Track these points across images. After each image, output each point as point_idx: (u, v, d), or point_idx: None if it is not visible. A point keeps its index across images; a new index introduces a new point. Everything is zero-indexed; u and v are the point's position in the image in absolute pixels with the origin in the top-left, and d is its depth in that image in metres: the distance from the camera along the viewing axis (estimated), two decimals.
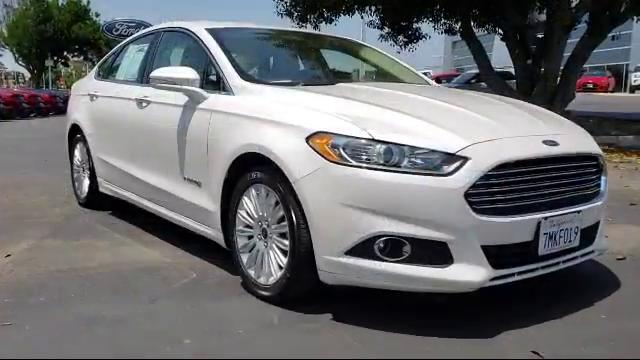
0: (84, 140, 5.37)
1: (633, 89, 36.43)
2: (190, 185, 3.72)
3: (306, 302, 3.03)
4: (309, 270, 2.86)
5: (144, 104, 4.25)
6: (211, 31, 4.01)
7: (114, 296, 3.23)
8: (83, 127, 5.31)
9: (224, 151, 3.32)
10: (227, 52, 3.75)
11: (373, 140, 2.69)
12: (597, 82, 36.71)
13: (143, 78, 4.53)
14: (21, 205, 5.68)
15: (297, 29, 4.35)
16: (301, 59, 4.65)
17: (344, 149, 2.72)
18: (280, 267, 3.03)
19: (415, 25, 18.99)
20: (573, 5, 15.70)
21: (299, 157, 2.84)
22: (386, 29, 18.68)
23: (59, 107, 31.11)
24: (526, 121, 3.23)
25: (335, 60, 4.54)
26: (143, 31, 5.00)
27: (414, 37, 19.25)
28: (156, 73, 3.68)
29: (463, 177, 2.61)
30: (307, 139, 2.83)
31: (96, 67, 5.73)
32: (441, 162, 2.64)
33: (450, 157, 2.64)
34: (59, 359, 2.55)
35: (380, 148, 2.68)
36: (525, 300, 3.16)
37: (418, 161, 2.66)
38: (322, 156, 2.76)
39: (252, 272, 3.22)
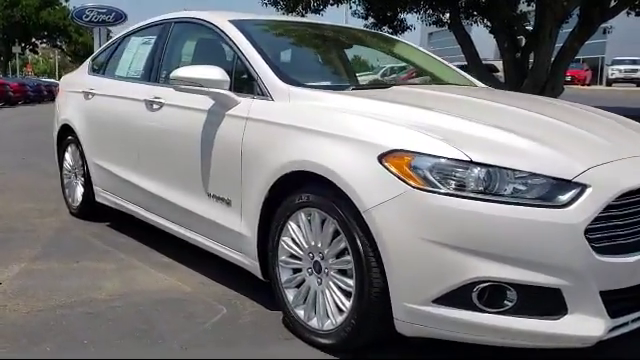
0: (77, 143, 4.78)
1: (610, 82, 36.48)
2: (216, 203, 3.19)
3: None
4: (381, 318, 2.37)
5: (155, 106, 3.69)
6: (237, 24, 3.46)
7: (137, 342, 2.70)
8: (76, 128, 4.72)
9: (265, 167, 2.80)
10: (260, 49, 3.22)
11: (471, 162, 2.19)
12: (575, 75, 36.71)
13: (151, 76, 3.97)
14: (2, 215, 5.05)
15: (322, 21, 3.91)
16: (341, 57, 4.12)
17: (431, 172, 2.22)
18: (340, 310, 2.53)
19: (401, 16, 18.55)
20: None
21: (370, 180, 2.33)
22: (371, 19, 18.18)
23: (29, 96, 30.06)
24: (628, 136, 2.76)
25: (372, 58, 4.02)
26: (147, 21, 4.41)
27: (399, 28, 18.79)
28: (179, 73, 3.12)
29: (582, 209, 2.13)
30: (380, 158, 2.32)
31: (89, 61, 5.11)
32: (555, 190, 2.16)
33: (566, 184, 2.17)
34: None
35: (480, 172, 2.18)
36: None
37: (526, 189, 2.17)
38: (402, 180, 2.25)
39: (301, 313, 2.71)
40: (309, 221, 2.65)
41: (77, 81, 5.02)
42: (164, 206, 3.68)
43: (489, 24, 17.60)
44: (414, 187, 2.23)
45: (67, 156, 5.06)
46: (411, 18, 20.91)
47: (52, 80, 44.61)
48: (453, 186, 2.20)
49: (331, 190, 2.49)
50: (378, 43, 4.31)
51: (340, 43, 4.11)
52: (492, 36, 18.22)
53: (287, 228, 2.75)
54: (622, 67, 36.55)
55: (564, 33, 15.85)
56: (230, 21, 3.50)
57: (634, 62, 37.05)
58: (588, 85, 38.35)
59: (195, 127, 3.30)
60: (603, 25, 16.40)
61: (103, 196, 4.55)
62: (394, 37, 4.53)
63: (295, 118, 2.75)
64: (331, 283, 2.58)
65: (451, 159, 2.22)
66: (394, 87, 3.30)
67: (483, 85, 4.02)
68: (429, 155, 2.24)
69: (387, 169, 2.30)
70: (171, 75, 3.16)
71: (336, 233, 2.52)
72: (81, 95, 4.73)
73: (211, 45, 3.69)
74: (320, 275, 2.63)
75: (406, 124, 2.43)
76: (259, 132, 2.90)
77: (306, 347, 2.66)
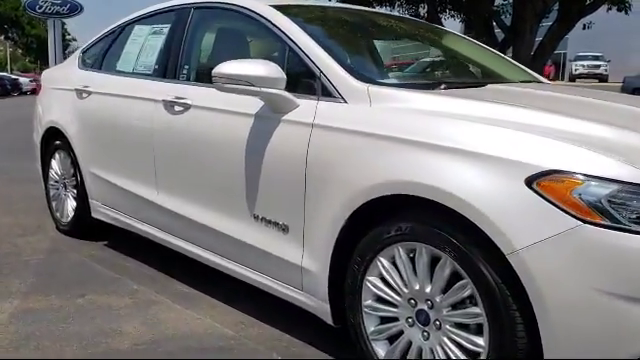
0: (68, 149, 4.09)
1: (574, 78, 36.74)
2: (267, 228, 2.59)
3: None
4: None
5: (178, 108, 3.05)
6: (283, 10, 2.85)
7: None
8: (68, 132, 4.02)
9: (343, 187, 2.22)
10: (320, 41, 2.62)
11: None
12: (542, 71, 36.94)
13: (167, 71, 3.34)
14: None
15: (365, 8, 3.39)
16: (408, 49, 3.53)
17: (610, 201, 1.67)
18: None
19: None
20: None
21: (517, 211, 1.77)
22: None
23: None
24: None
25: (435, 51, 3.45)
26: (155, 7, 3.74)
27: None
28: (223, 69, 2.50)
29: None
30: (530, 181, 1.77)
31: (78, 53, 4.41)
32: None
33: None
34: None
35: None
36: None
37: None
38: (566, 212, 1.70)
39: None
40: (411, 258, 2.09)
41: (65, 77, 4.32)
42: (190, 228, 3.06)
43: (466, 18, 17.34)
44: (585, 221, 1.67)
45: (54, 164, 4.36)
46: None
47: (4, 74, 42.74)
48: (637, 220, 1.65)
49: (450, 221, 1.92)
50: (431, 33, 3.72)
51: (401, 33, 3.51)
52: (467, 30, 17.99)
53: (376, 265, 2.18)
54: (585, 62, 36.95)
55: (541, 28, 15.70)
56: (274, 7, 2.89)
57: (596, 58, 37.52)
58: (552, 80, 38.62)
59: (236, 134, 2.69)
60: (583, 21, 16.25)
61: (102, 212, 3.88)
62: (444, 27, 3.92)
63: (386, 126, 2.17)
64: (446, 339, 2.01)
65: (636, 184, 1.67)
66: (491, 86, 2.73)
67: (545, 80, 3.49)
68: (606, 179, 1.69)
69: (542, 196, 1.74)
70: (213, 72, 2.52)
71: (456, 276, 1.96)
72: (72, 93, 4.03)
73: (248, 35, 3.08)
74: (427, 328, 2.06)
75: (554, 135, 1.86)
76: (332, 142, 2.31)
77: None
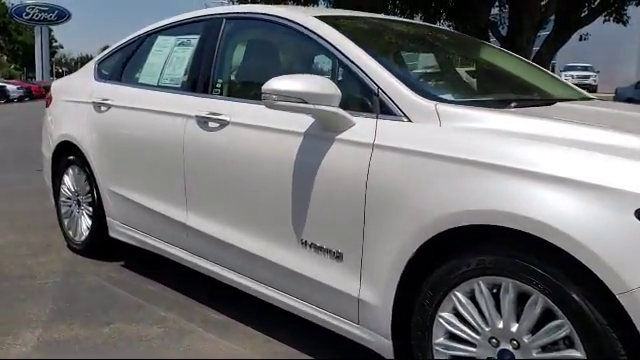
0: (83, 164, 3.88)
1: None
2: (317, 255, 2.41)
3: None
4: None
5: (213, 124, 2.86)
6: (329, 21, 2.68)
7: None
8: (84, 147, 3.81)
9: (412, 215, 2.05)
10: (374, 54, 2.45)
11: None
12: None
13: (197, 85, 3.15)
14: None
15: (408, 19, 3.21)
16: (465, 65, 3.36)
17: None
18: None
19: None
20: (543, 4, 15.29)
21: (630, 246, 1.60)
22: None
23: None
24: None
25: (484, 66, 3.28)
26: (180, 17, 3.56)
27: None
28: (274, 85, 2.32)
29: None
30: None
31: (93, 64, 4.20)
32: None
33: None
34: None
35: None
36: None
37: None
38: None
39: None
40: (493, 294, 1.91)
41: (79, 89, 4.11)
42: (226, 253, 2.86)
43: (463, 28, 17.29)
44: None
45: (67, 180, 4.14)
46: None
47: None
48: None
49: (543, 254, 1.75)
50: (476, 47, 3.55)
51: (451, 47, 3.35)
52: None
53: (451, 300, 2.00)
54: (575, 73, 37.20)
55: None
56: (318, 18, 2.72)
57: (585, 68, 37.85)
58: None
59: (282, 153, 2.51)
60: (580, 32, 16.28)
61: (121, 231, 3.67)
62: (484, 42, 3.77)
63: (462, 148, 1.99)
64: None
65: None
66: (560, 104, 2.57)
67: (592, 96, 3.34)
68: None
69: None
70: (264, 88, 2.34)
71: (548, 315, 1.78)
72: (89, 106, 3.83)
73: (289, 49, 2.90)
74: None
75: None
76: (398, 165, 2.13)
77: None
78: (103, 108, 3.71)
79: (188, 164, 3.02)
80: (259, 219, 2.66)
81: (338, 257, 2.34)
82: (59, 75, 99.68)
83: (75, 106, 4.03)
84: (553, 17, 15.81)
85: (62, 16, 54.68)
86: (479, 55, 3.37)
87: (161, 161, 3.21)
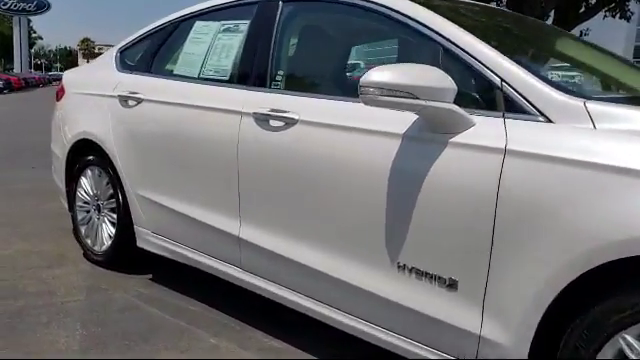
0: (106, 166, 3.45)
1: None
2: (419, 282, 2.03)
3: None
4: None
5: (277, 123, 2.46)
6: (425, 4, 2.27)
7: None
8: (107, 146, 3.37)
9: (566, 239, 1.68)
10: (490, 43, 2.06)
11: None
12: None
13: (251, 78, 2.72)
14: None
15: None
16: (567, 56, 2.97)
17: None
18: None
19: None
20: None
21: None
22: None
23: None
24: None
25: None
26: (222, 0, 3.12)
27: None
28: (376, 77, 1.92)
29: None
30: None
31: (114, 53, 3.75)
32: None
33: None
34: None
35: None
36: None
37: None
38: None
39: None
40: None
41: (100, 81, 3.66)
42: (294, 272, 2.47)
43: None
44: None
45: (84, 182, 3.70)
46: None
47: None
48: None
49: None
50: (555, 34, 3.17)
51: (548, 35, 2.96)
52: None
53: (616, 344, 1.62)
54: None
55: None
56: (416, 1, 2.31)
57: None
58: None
59: (375, 159, 2.12)
60: (580, 28, 16.11)
61: (151, 241, 3.25)
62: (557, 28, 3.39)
63: (632, 157, 1.60)
64: None
65: None
66: None
67: None
68: None
69: None
70: (362, 81, 1.94)
71: None
72: (113, 100, 3.39)
73: (370, 35, 2.52)
74: None
75: None
76: (544, 177, 1.75)
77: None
78: (131, 102, 3.28)
79: (243, 168, 2.61)
80: (340, 236, 2.26)
81: (451, 285, 1.95)
82: (37, 67, 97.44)
83: (95, 100, 3.59)
84: (552, 13, 15.63)
85: (41, 6, 53.32)
86: (572, 47, 2.99)
87: (207, 164, 2.80)
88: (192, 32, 3.19)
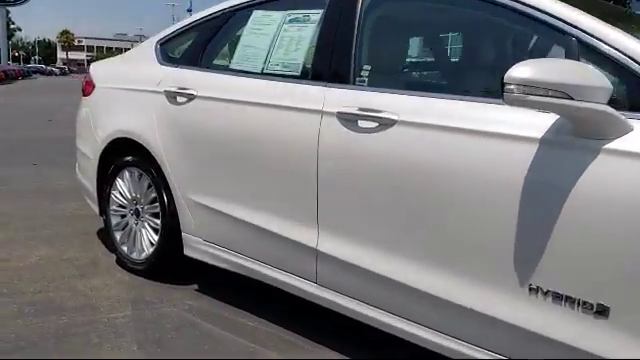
0: (149, 167, 3.17)
1: None
2: (555, 306, 1.81)
3: None
4: None
5: (368, 124, 2.22)
6: None
7: None
8: (153, 147, 3.10)
9: None
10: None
11: None
12: None
13: (331, 74, 2.46)
14: (20, 274, 3.35)
15: None
16: None
17: None
18: None
19: None
20: None
21: None
22: None
23: None
24: None
25: None
26: None
27: None
28: (525, 73, 1.67)
29: None
30: None
31: (153, 44, 3.45)
32: None
33: None
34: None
35: None
36: None
37: None
38: None
39: None
40: None
41: (138, 74, 3.38)
42: (386, 291, 2.23)
43: None
44: None
45: (120, 185, 3.41)
46: None
47: None
48: None
49: None
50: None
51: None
52: None
53: None
54: None
55: None
56: None
57: None
58: None
59: (504, 167, 1.88)
60: None
61: (202, 249, 2.99)
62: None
63: None
64: None
65: None
66: None
67: None
68: None
69: None
70: (507, 77, 1.69)
71: None
72: (158, 97, 3.11)
73: (473, 27, 2.26)
74: None
75: None
76: None
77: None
78: (181, 99, 3.00)
79: (325, 173, 2.35)
80: (453, 253, 2.02)
81: (600, 312, 1.72)
82: (15, 59, 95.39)
83: (134, 95, 3.30)
84: None
85: None
86: None
87: (277, 167, 2.54)
88: (250, 23, 2.92)
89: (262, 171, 2.62)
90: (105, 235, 3.84)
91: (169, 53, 3.33)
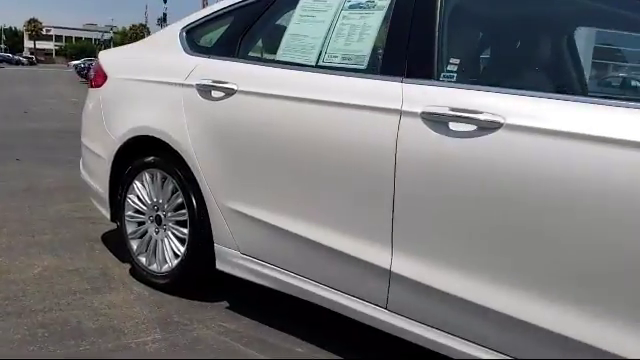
0: (177, 170, 2.80)
1: None
2: None
3: None
4: None
5: (466, 127, 1.90)
6: None
7: None
8: (182, 146, 2.75)
9: None
10: None
11: None
12: None
13: (404, 67, 2.15)
14: (23, 289, 2.97)
15: None
16: None
17: None
18: None
19: None
20: None
21: None
22: None
23: None
24: None
25: None
26: None
27: None
28: None
29: None
30: None
31: (177, 31, 3.08)
32: None
33: None
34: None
35: None
36: None
37: None
38: None
39: None
40: None
41: (161, 64, 3.02)
42: (486, 321, 1.89)
43: None
44: None
45: (138, 188, 3.05)
46: None
47: None
48: None
49: None
50: None
51: None
52: None
53: None
54: None
55: None
56: None
57: None
58: None
59: None
60: None
61: (239, 264, 2.66)
62: None
63: None
64: None
65: None
66: None
67: None
68: None
69: None
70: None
71: None
72: (189, 90, 2.75)
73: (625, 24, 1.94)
74: None
75: None
76: None
77: None
78: (217, 94, 2.64)
79: (404, 182, 2.03)
80: (572, 281, 1.71)
81: None
82: None
83: (157, 88, 2.94)
84: None
85: None
86: None
87: (340, 174, 2.22)
88: (299, 8, 2.58)
89: (320, 178, 2.29)
90: (112, 241, 3.48)
91: (198, 42, 2.97)
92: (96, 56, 3.50)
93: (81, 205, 4.55)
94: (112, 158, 3.11)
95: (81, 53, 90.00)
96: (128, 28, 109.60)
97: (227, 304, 2.89)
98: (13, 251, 3.47)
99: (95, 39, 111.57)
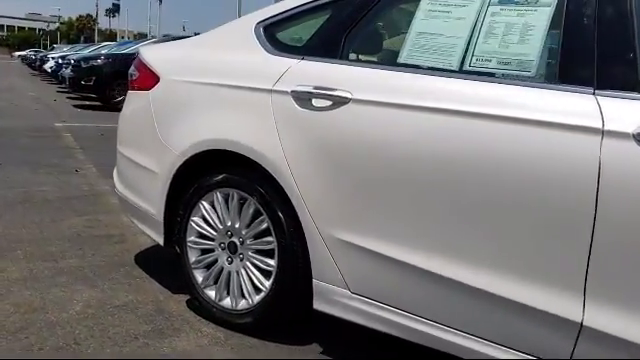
0: (262, 190, 2.37)
1: None
2: None
3: None
4: None
5: None
6: None
7: None
8: (277, 164, 2.31)
9: None
10: None
11: None
12: None
13: (591, 77, 1.78)
14: (72, 335, 2.51)
15: None
16: None
17: None
18: None
19: None
20: None
21: None
22: None
23: None
24: None
25: None
26: None
27: None
28: None
29: None
30: None
31: (253, 25, 2.60)
32: None
33: None
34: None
35: None
36: None
37: None
38: None
39: None
40: None
41: (237, 65, 2.57)
42: None
43: None
44: None
45: (206, 210, 2.59)
46: None
47: None
48: None
49: None
50: None
51: None
52: None
53: None
54: None
55: None
56: None
57: None
58: None
59: None
60: None
61: (347, 304, 2.25)
62: None
63: None
64: None
65: None
66: None
67: None
68: None
69: None
70: None
71: None
72: (281, 98, 2.31)
73: None
74: None
75: None
76: None
77: None
78: (320, 102, 2.21)
79: (608, 218, 1.65)
80: None
81: None
82: None
83: (234, 94, 2.50)
84: None
85: None
86: None
87: (513, 204, 1.82)
88: (425, 2, 2.17)
89: (471, 206, 1.89)
90: (149, 266, 3.06)
91: (282, 40, 2.51)
92: (41, 46, 3.00)
93: (93, 220, 4.07)
94: (172, 174, 2.63)
95: (24, 43, 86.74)
96: (75, 18, 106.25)
97: (319, 348, 2.46)
98: (39, 282, 2.96)
99: (39, 29, 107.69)
